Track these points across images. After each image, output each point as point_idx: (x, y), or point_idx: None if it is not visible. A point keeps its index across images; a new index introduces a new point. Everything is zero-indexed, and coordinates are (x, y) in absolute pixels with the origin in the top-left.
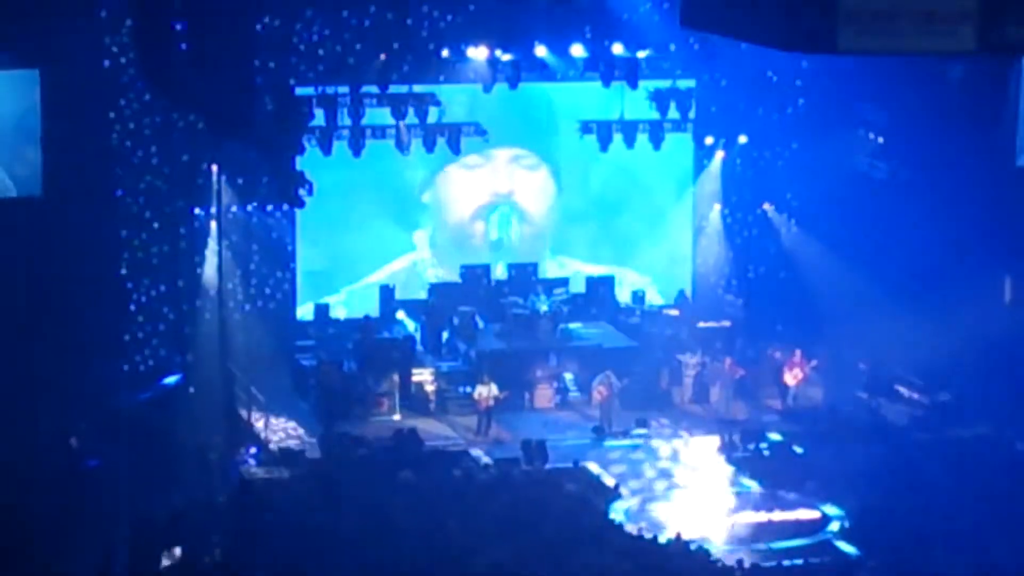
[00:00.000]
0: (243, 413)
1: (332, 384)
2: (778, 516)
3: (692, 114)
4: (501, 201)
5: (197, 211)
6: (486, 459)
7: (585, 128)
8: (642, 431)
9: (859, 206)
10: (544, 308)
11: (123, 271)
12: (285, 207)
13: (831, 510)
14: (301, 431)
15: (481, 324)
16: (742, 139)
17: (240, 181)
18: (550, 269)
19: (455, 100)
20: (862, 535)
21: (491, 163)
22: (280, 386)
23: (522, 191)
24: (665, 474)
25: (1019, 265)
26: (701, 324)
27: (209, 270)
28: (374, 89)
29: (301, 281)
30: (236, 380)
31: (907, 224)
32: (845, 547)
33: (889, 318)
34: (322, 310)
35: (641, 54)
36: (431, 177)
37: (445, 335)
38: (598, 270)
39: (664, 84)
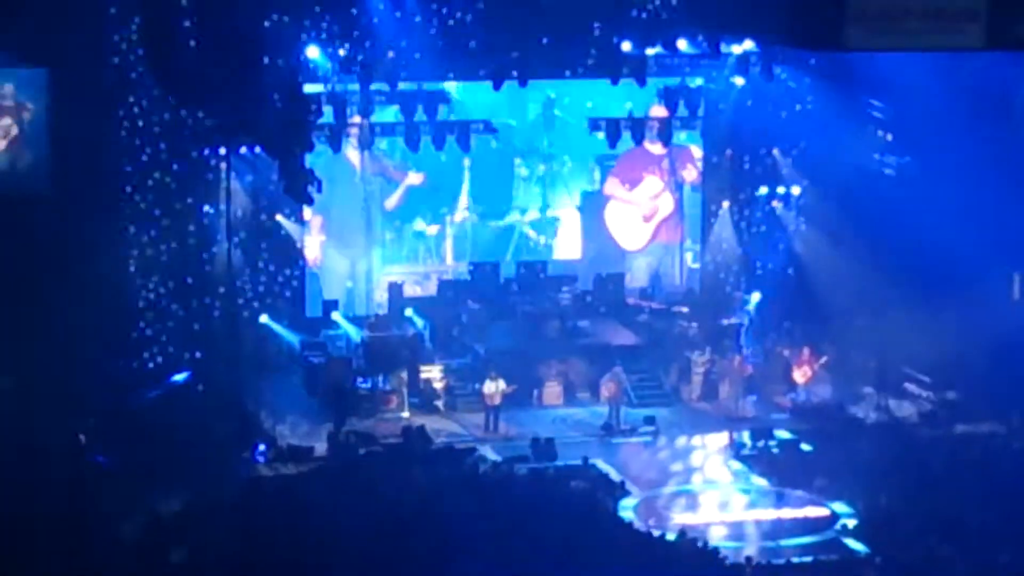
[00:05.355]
0: (252, 410)
1: (341, 381)
2: (787, 513)
3: (701, 111)
4: None
5: (206, 208)
6: (495, 456)
7: (594, 125)
8: (650, 428)
9: (868, 203)
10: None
11: (132, 268)
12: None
13: (840, 507)
14: (310, 428)
15: (490, 321)
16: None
17: (249, 178)
18: None
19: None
20: (871, 533)
21: None
22: (289, 383)
23: None
24: (673, 472)
25: None
26: (710, 322)
27: (218, 267)
28: (384, 87)
29: (310, 278)
30: (245, 378)
31: (915, 221)
32: (854, 544)
33: (897, 315)
34: (330, 307)
35: (650, 51)
36: None
37: (454, 332)
38: None
39: (673, 81)
